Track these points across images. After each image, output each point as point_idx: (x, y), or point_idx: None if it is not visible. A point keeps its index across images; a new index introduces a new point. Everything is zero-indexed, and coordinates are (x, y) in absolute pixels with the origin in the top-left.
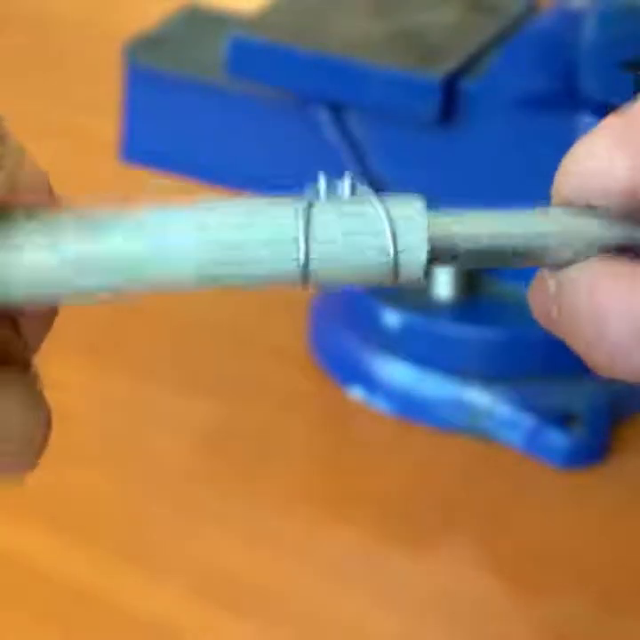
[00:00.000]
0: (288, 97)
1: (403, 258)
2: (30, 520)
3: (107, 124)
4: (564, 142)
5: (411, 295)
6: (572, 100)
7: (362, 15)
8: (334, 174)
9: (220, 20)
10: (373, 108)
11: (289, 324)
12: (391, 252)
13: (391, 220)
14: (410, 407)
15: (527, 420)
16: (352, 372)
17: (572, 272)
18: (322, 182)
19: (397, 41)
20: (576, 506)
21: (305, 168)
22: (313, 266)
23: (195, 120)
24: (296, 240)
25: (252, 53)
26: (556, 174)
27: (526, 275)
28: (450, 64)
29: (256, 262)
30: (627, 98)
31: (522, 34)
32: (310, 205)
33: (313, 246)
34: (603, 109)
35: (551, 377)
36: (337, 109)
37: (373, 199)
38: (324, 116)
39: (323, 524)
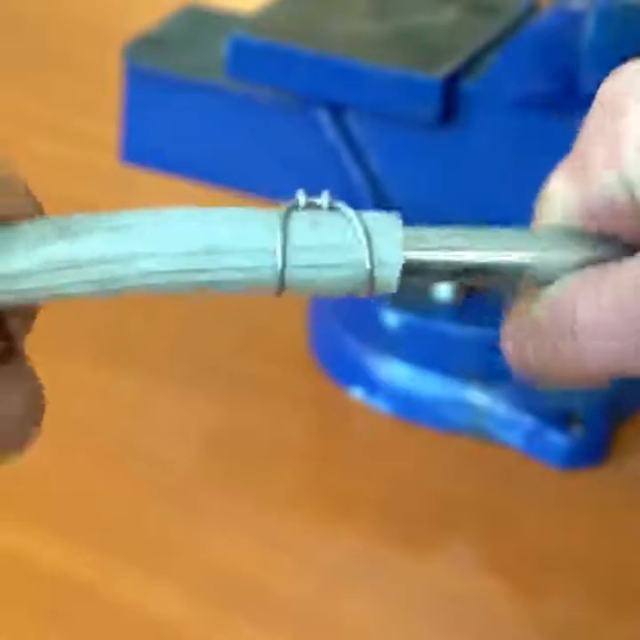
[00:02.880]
0: (288, 97)
1: (378, 272)
2: (32, 520)
3: (107, 124)
4: (564, 143)
5: (411, 295)
6: (572, 100)
7: (362, 15)
8: (334, 174)
9: (220, 20)
10: (373, 108)
11: (289, 325)
12: (367, 265)
13: (368, 235)
14: (410, 407)
15: (527, 420)
16: (352, 373)
17: (551, 290)
18: (301, 196)
19: (397, 41)
20: (576, 506)
21: (305, 168)
22: (289, 276)
23: (195, 120)
24: (274, 250)
25: (252, 54)
26: (536, 201)
27: None
28: (450, 64)
29: (233, 270)
30: None
31: (522, 34)
32: (288, 217)
33: (290, 257)
34: None
35: None
36: (337, 110)
37: (351, 213)
38: (324, 116)
39: (322, 524)
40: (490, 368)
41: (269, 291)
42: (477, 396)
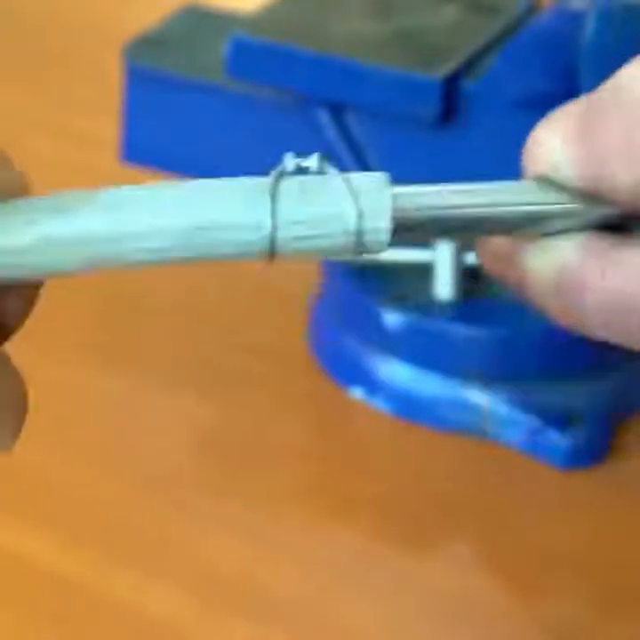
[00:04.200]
0: (288, 97)
1: (367, 227)
2: (27, 518)
3: (107, 124)
4: None
5: (411, 295)
6: (571, 100)
7: (362, 15)
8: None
9: (220, 20)
10: (373, 108)
11: (288, 325)
12: (354, 222)
13: (354, 193)
14: (410, 407)
15: (527, 420)
16: (352, 373)
17: (543, 247)
18: (289, 159)
19: (397, 41)
20: (576, 506)
21: None
22: (279, 241)
23: (195, 120)
24: (263, 215)
25: (252, 53)
26: (524, 151)
27: None
28: (450, 64)
29: (225, 244)
30: None
31: (522, 34)
32: (277, 182)
33: (279, 222)
34: None
35: (551, 377)
36: (337, 109)
37: (338, 174)
38: (324, 116)
39: (321, 524)
40: (490, 368)
41: (259, 260)
42: (477, 396)
